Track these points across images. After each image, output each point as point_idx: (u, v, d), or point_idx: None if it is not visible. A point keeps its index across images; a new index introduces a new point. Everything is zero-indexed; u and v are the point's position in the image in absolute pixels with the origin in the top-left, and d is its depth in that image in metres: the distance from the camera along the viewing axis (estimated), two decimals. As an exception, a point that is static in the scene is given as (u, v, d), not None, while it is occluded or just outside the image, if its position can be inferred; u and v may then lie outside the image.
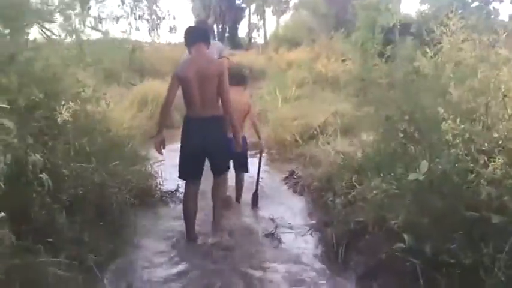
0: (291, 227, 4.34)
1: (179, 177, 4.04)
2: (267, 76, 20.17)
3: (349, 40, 15.37)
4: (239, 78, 4.78)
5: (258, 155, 5.24)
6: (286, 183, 5.57)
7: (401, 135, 3.66)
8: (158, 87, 10.14)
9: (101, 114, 4.92)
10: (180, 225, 4.19)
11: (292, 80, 11.83)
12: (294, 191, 5.26)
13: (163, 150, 4.04)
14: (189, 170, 3.94)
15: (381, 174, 3.59)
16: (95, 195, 3.72)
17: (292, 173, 5.72)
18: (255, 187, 5.02)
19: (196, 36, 3.95)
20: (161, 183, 5.17)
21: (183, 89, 3.81)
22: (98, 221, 3.68)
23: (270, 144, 7.11)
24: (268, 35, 55.47)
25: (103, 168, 3.99)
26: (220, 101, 3.85)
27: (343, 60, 13.64)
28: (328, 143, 6.31)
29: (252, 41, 60.12)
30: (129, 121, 6.86)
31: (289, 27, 31.67)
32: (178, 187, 5.19)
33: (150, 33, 58.35)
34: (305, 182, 5.18)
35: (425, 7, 13.45)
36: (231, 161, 4.56)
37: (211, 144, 3.83)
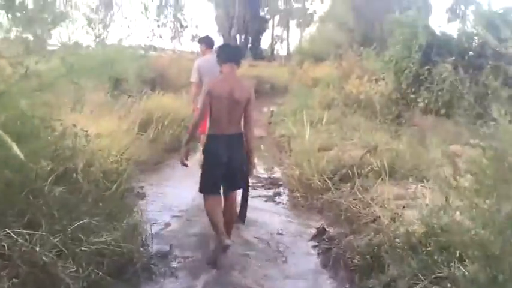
0: None
1: (200, 191, 4.13)
2: (290, 92, 19.01)
3: (382, 58, 14.08)
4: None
5: None
6: (314, 247, 4.22)
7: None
8: (168, 103, 9.00)
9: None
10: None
11: (320, 101, 10.57)
12: (325, 265, 3.85)
13: (187, 162, 4.20)
14: (212, 184, 4.06)
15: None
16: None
17: (322, 231, 4.37)
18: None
19: (232, 56, 4.11)
20: (150, 241, 3.91)
21: (213, 106, 3.92)
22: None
23: (293, 184, 5.83)
24: (291, 48, 54.75)
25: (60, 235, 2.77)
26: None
27: (376, 80, 12.33)
28: (367, 190, 5.03)
29: (275, 52, 59.42)
30: (125, 147, 5.66)
31: (314, 40, 30.51)
32: (171, 247, 3.97)
33: (172, 41, 57.43)
34: (341, 250, 3.83)
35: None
36: None
37: (235, 160, 4.00)
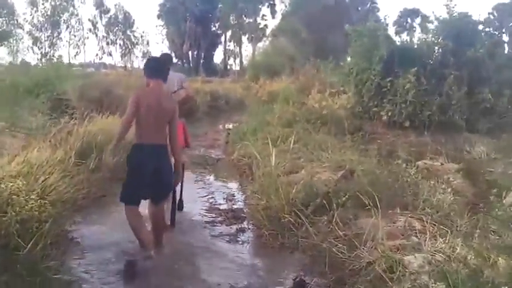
0: None
1: (120, 200, 4.04)
2: (246, 108, 18.26)
3: (340, 70, 13.57)
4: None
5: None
6: (292, 306, 3.38)
7: None
8: (114, 124, 8.00)
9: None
10: None
11: (279, 117, 9.82)
12: None
13: None
14: (132, 193, 4.00)
15: None
16: None
17: (300, 284, 3.51)
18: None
19: (157, 73, 4.17)
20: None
21: (139, 115, 3.94)
22: None
23: (259, 218, 4.97)
24: (244, 62, 54.40)
25: None
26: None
27: (337, 94, 11.75)
28: (348, 224, 4.26)
29: (228, 68, 58.86)
30: (54, 184, 4.66)
31: (267, 54, 30.00)
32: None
33: (122, 58, 55.80)
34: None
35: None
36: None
37: (159, 170, 3.99)
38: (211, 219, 5.30)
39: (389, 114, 11.15)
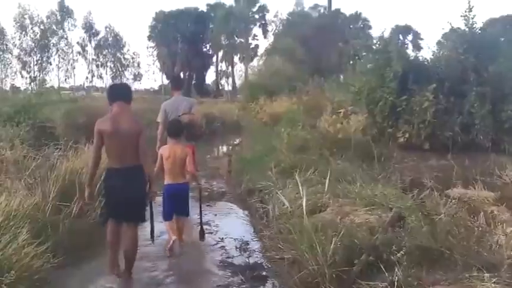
0: None
1: (100, 223, 4.50)
2: (245, 131, 17.20)
3: (347, 89, 12.61)
4: (176, 130, 5.28)
5: (199, 197, 5.47)
6: None
7: None
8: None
9: None
10: None
11: (288, 142, 8.77)
12: None
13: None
14: (108, 214, 4.30)
15: None
16: None
17: None
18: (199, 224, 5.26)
19: (117, 95, 4.33)
20: None
21: (105, 142, 4.13)
22: None
23: (287, 282, 3.87)
24: (237, 83, 53.76)
25: None
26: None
27: (346, 115, 10.73)
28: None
29: (220, 88, 58.07)
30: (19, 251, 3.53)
31: (262, 73, 29.12)
32: None
33: (113, 80, 55.37)
34: None
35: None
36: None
37: (131, 191, 4.13)
38: (225, 281, 4.20)
39: (407, 135, 10.18)
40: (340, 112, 9.71)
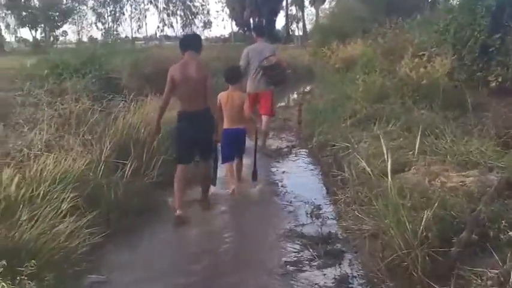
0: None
1: (176, 161, 4.72)
2: (317, 77, 16.30)
3: (431, 28, 11.29)
4: (234, 77, 5.41)
5: (255, 137, 5.77)
6: None
7: None
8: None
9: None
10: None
11: (364, 91, 7.91)
12: None
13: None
14: (182, 155, 4.70)
15: None
16: None
17: None
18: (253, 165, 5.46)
19: (189, 44, 4.79)
20: None
21: (177, 87, 4.56)
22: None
23: (368, 262, 3.23)
24: (307, 27, 51.87)
25: None
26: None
27: (428, 58, 9.56)
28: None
29: (290, 33, 56.42)
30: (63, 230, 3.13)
31: (334, 16, 27.51)
32: None
33: (183, 29, 55.06)
34: None
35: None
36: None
37: (202, 133, 4.61)
38: (293, 256, 3.62)
39: (500, 79, 8.95)
40: (424, 55, 8.58)
